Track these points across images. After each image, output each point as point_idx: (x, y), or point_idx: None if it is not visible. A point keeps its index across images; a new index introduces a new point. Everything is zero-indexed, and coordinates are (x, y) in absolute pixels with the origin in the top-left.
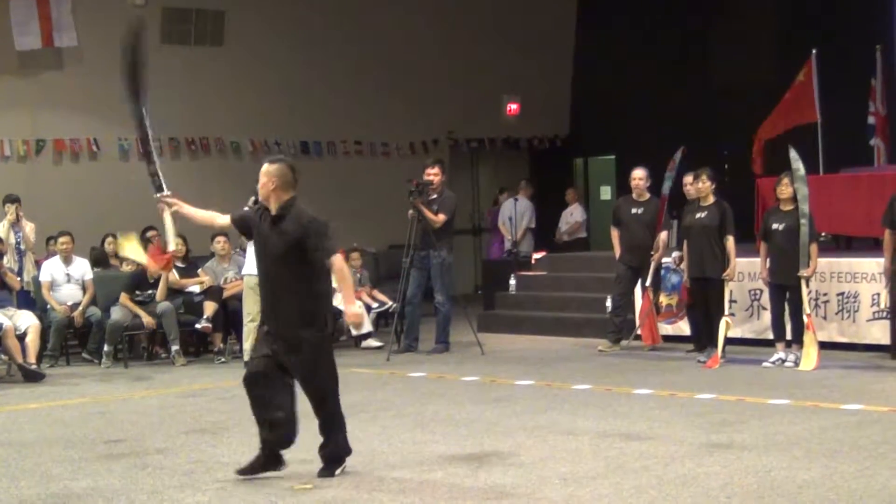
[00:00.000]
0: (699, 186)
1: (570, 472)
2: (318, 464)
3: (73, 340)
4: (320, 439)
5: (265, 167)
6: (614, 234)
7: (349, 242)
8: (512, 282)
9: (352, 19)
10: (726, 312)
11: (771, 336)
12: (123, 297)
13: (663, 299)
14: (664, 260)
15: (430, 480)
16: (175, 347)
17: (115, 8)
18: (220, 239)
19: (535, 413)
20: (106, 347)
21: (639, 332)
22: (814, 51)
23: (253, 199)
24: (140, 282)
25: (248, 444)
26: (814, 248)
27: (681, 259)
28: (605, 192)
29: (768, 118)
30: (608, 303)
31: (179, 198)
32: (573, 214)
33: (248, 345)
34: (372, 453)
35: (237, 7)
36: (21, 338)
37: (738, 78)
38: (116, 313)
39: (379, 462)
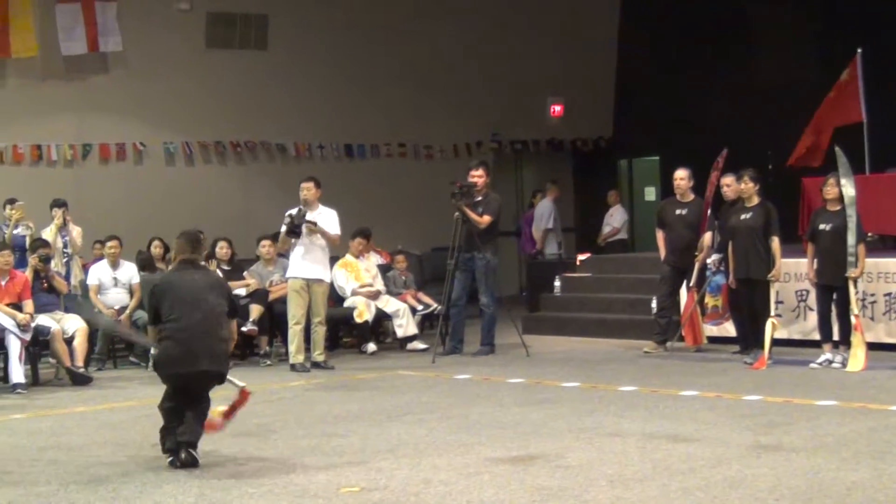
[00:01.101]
0: (742, 188)
1: (617, 474)
2: (366, 467)
3: (120, 344)
4: (371, 443)
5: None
6: (659, 235)
7: (394, 245)
8: (557, 283)
9: (394, 21)
10: (772, 313)
11: (817, 337)
12: None
13: (708, 300)
14: (707, 261)
15: (477, 482)
16: None
17: (159, 13)
18: (266, 242)
19: (580, 415)
20: (153, 350)
21: (682, 332)
22: (859, 50)
23: (298, 208)
24: None
25: (295, 447)
26: (861, 248)
27: (720, 262)
28: (650, 194)
29: (813, 118)
30: (653, 304)
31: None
32: (613, 217)
33: (293, 347)
34: (418, 456)
35: (280, 11)
36: (69, 341)
37: (781, 78)
38: None
39: (425, 464)
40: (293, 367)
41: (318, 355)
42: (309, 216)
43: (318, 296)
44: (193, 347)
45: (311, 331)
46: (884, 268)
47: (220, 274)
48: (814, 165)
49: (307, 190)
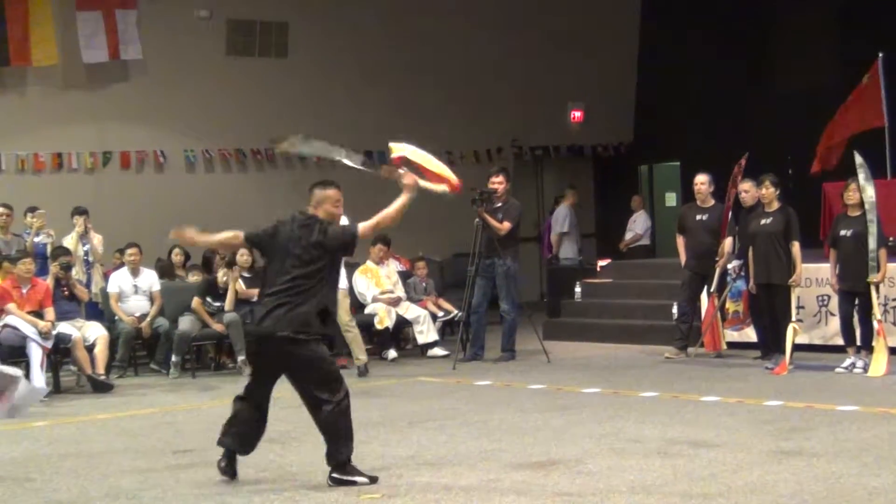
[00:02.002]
0: (763, 193)
1: (638, 480)
2: (387, 473)
3: (141, 351)
4: (392, 450)
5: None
6: (680, 241)
7: (415, 251)
8: (577, 289)
9: (414, 29)
10: (793, 318)
11: (838, 342)
12: (196, 302)
13: (729, 305)
14: (728, 266)
15: (498, 489)
16: (242, 357)
17: (179, 21)
18: None
19: (601, 421)
20: (174, 358)
21: (703, 338)
22: (880, 55)
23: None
24: (211, 289)
25: (316, 454)
26: (883, 253)
27: (741, 268)
28: (671, 199)
29: (832, 121)
30: (674, 310)
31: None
32: (636, 222)
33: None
34: (439, 462)
35: (300, 18)
36: (90, 349)
37: (801, 83)
38: (184, 324)
39: (446, 471)
40: None
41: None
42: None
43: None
44: None
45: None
46: None
47: (242, 281)
48: (830, 167)
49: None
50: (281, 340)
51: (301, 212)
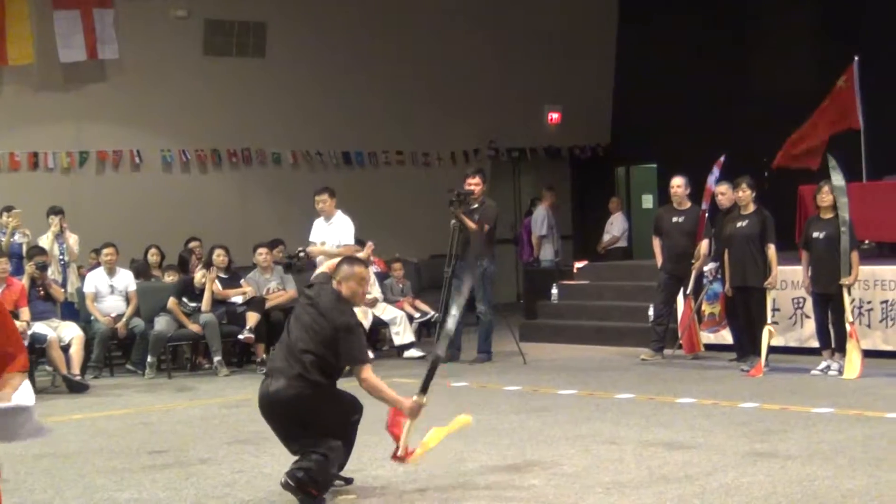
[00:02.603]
0: (740, 195)
1: (613, 482)
2: (362, 475)
3: (116, 352)
4: (367, 451)
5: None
6: (656, 243)
7: (391, 253)
8: (554, 291)
9: (392, 30)
10: (769, 321)
11: (814, 344)
12: (172, 303)
13: (705, 308)
14: (704, 269)
15: (473, 490)
16: (217, 358)
17: (156, 20)
18: (262, 250)
19: (577, 422)
20: (149, 358)
21: (680, 340)
22: (856, 58)
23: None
24: (187, 289)
25: (290, 455)
26: (854, 255)
27: (717, 270)
28: (647, 201)
29: (806, 123)
30: (650, 312)
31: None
32: (613, 224)
33: None
34: (414, 463)
35: (278, 18)
36: (65, 349)
37: (778, 85)
38: (160, 324)
39: (421, 472)
40: None
41: None
42: (325, 227)
43: None
44: None
45: None
46: (880, 275)
47: (218, 282)
48: (811, 166)
49: (322, 202)
50: None
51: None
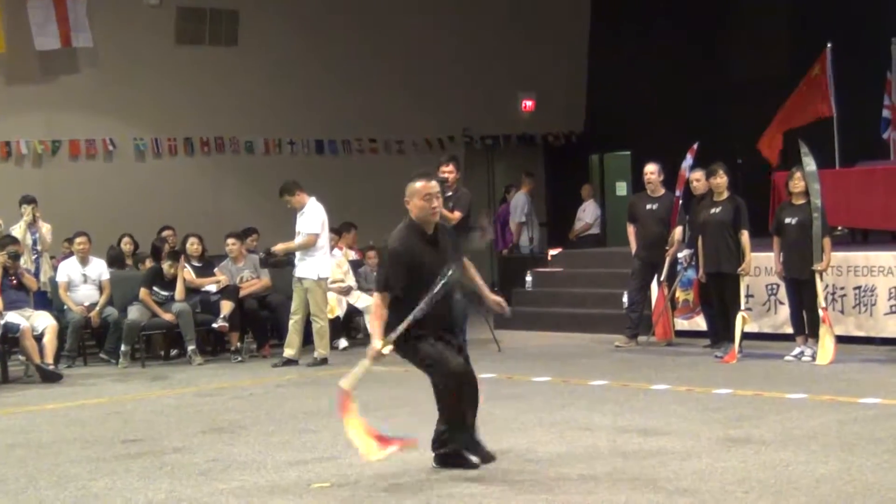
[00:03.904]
0: (715, 182)
1: (588, 468)
2: (337, 462)
3: (90, 341)
4: (341, 438)
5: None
6: (630, 230)
7: (365, 241)
8: (528, 278)
9: (366, 17)
10: (743, 307)
11: (788, 330)
12: (143, 293)
13: (679, 294)
14: (678, 255)
15: (447, 477)
16: (191, 347)
17: (129, 9)
18: (231, 240)
19: (551, 409)
20: (123, 347)
21: (654, 327)
22: (829, 45)
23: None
24: (157, 278)
25: (265, 443)
26: (827, 241)
27: (691, 257)
28: (621, 188)
29: (781, 111)
30: (625, 298)
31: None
32: (586, 211)
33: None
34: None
35: (251, 6)
36: (38, 338)
37: (751, 73)
38: (133, 313)
39: (396, 459)
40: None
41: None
42: (300, 218)
43: (299, 292)
44: None
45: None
46: (853, 261)
47: (191, 271)
48: (770, 162)
49: (287, 202)
50: None
51: None
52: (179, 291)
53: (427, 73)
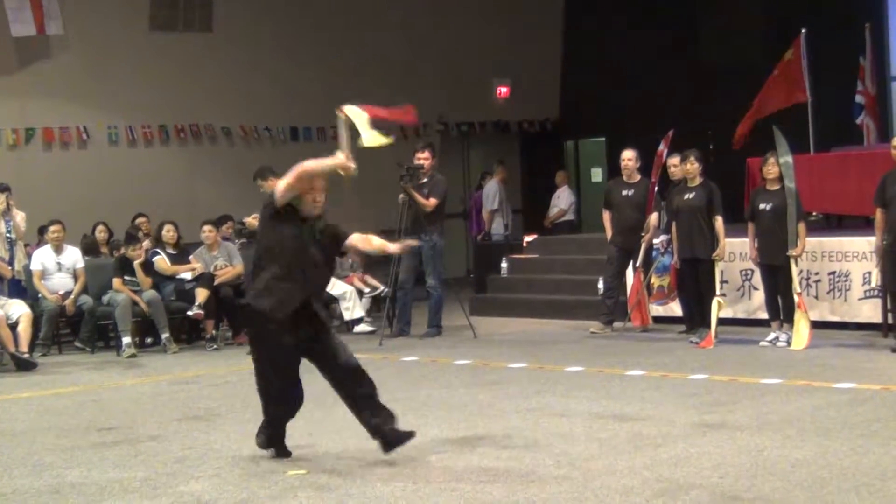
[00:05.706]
0: (688, 168)
1: (563, 454)
2: (312, 450)
3: (65, 329)
4: (317, 426)
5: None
6: (606, 216)
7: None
8: (504, 265)
9: (341, 4)
10: (718, 293)
11: (763, 316)
12: (117, 283)
13: (654, 280)
14: (654, 241)
15: (424, 463)
16: (165, 335)
17: None
18: (207, 227)
19: (527, 396)
20: (125, 339)
21: (630, 313)
22: (803, 31)
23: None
24: (126, 266)
25: (241, 431)
26: (801, 227)
27: (668, 243)
28: (596, 175)
29: (757, 97)
30: (600, 285)
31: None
32: (560, 198)
33: None
34: (365, 438)
35: None
36: (13, 327)
37: (726, 59)
38: (120, 297)
39: (372, 446)
40: None
41: None
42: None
43: None
44: None
45: None
46: (828, 247)
47: (166, 258)
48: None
49: (261, 187)
50: None
51: None
52: (143, 281)
53: (402, 59)
